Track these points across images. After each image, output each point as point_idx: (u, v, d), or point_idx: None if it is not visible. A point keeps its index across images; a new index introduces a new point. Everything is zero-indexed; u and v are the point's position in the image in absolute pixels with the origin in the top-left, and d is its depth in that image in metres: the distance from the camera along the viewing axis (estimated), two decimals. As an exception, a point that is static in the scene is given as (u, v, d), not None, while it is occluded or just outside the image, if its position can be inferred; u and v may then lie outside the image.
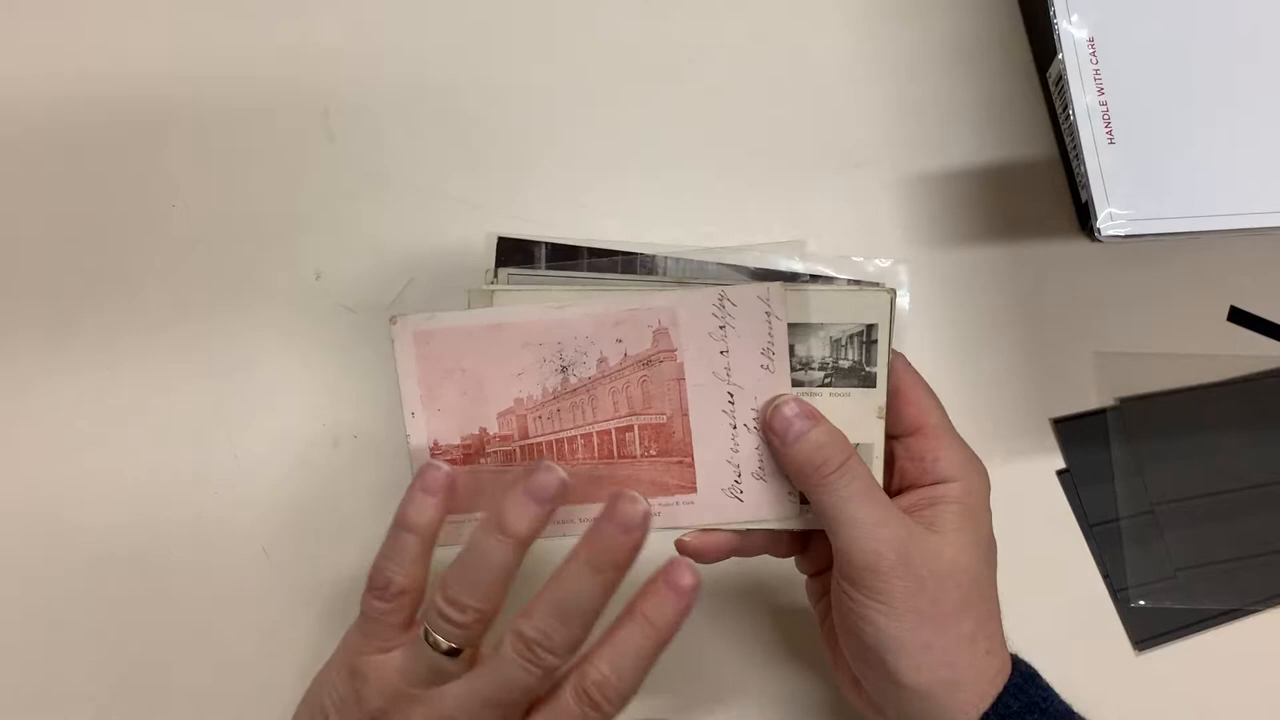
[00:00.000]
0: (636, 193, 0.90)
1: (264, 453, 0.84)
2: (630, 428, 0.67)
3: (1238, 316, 0.89)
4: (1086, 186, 0.77)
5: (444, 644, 0.62)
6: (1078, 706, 0.68)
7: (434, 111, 0.91)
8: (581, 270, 0.69)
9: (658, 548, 0.66)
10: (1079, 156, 0.77)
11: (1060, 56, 0.79)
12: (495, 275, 0.69)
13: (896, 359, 0.68)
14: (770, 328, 0.65)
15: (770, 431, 0.66)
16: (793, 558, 0.74)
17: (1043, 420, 0.88)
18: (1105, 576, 0.85)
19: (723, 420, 0.67)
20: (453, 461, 0.67)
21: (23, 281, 0.86)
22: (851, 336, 0.67)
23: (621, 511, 0.62)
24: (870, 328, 0.67)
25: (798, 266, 0.69)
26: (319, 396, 0.85)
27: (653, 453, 0.67)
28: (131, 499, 0.82)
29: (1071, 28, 0.79)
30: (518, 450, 0.67)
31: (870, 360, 0.67)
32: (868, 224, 0.90)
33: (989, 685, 0.65)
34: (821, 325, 0.66)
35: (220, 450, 0.84)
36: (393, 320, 0.65)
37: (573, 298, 0.66)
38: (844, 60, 0.93)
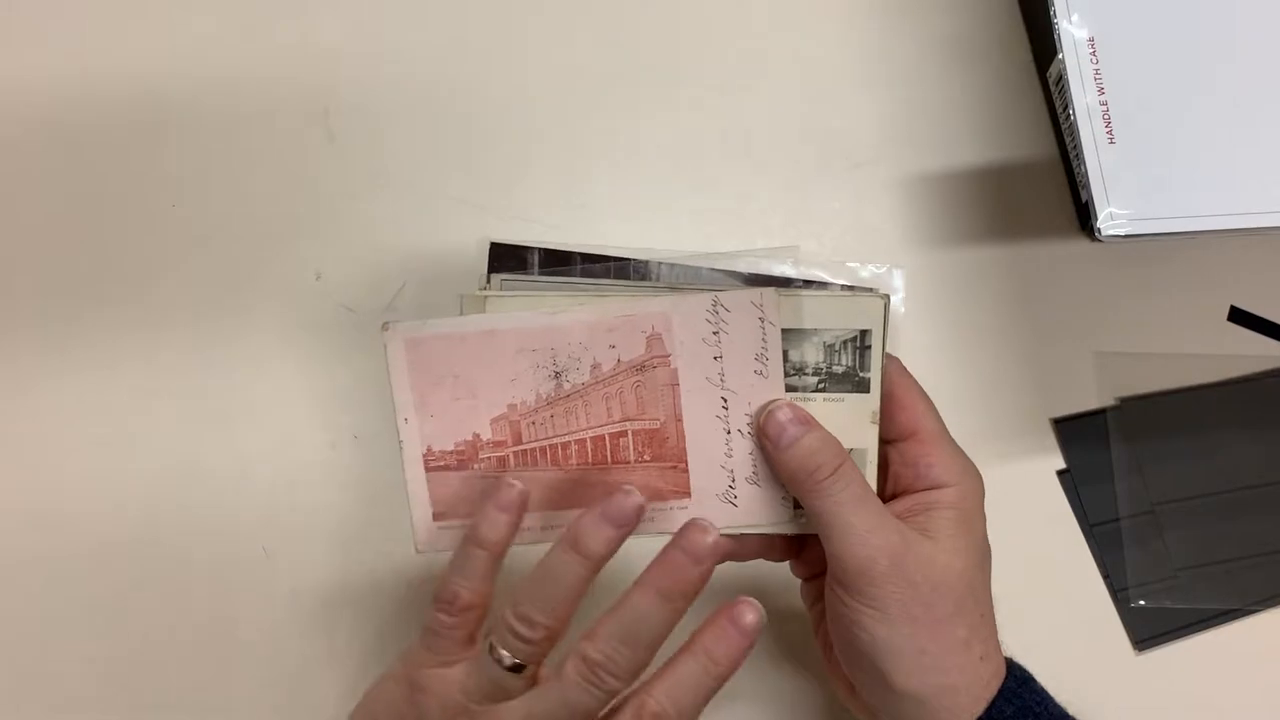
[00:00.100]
0: (637, 192, 0.90)
1: (264, 453, 0.84)
2: (624, 433, 0.67)
3: (1238, 316, 0.89)
4: (1086, 186, 0.76)
5: (509, 659, 0.62)
6: (1076, 707, 0.68)
7: (434, 111, 0.91)
8: (575, 276, 0.69)
9: (654, 552, 0.66)
10: (1079, 156, 0.77)
11: (1060, 56, 0.78)
12: (488, 281, 0.69)
13: (891, 363, 0.68)
14: (764, 333, 0.65)
15: (764, 437, 0.66)
16: (787, 562, 0.74)
17: (1043, 420, 0.88)
18: (1105, 576, 0.85)
19: (716, 425, 0.67)
20: (446, 468, 0.67)
21: (23, 281, 0.86)
22: (845, 342, 0.67)
23: (693, 541, 0.62)
24: (864, 333, 0.67)
25: (791, 272, 0.69)
26: (318, 397, 0.85)
27: (646, 458, 0.67)
28: (131, 499, 0.83)
29: (1071, 28, 0.79)
30: (511, 456, 0.67)
31: (864, 365, 0.67)
32: (867, 224, 0.90)
33: (983, 690, 0.65)
34: (815, 330, 0.66)
35: (220, 450, 0.84)
36: (384, 327, 0.65)
37: (566, 303, 0.66)
38: (844, 60, 0.93)
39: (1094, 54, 0.78)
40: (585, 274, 0.69)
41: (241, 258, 0.87)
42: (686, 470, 0.67)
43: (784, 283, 0.68)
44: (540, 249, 0.69)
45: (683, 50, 0.93)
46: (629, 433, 0.67)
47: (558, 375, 0.66)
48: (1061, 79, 0.79)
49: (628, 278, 0.69)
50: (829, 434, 0.66)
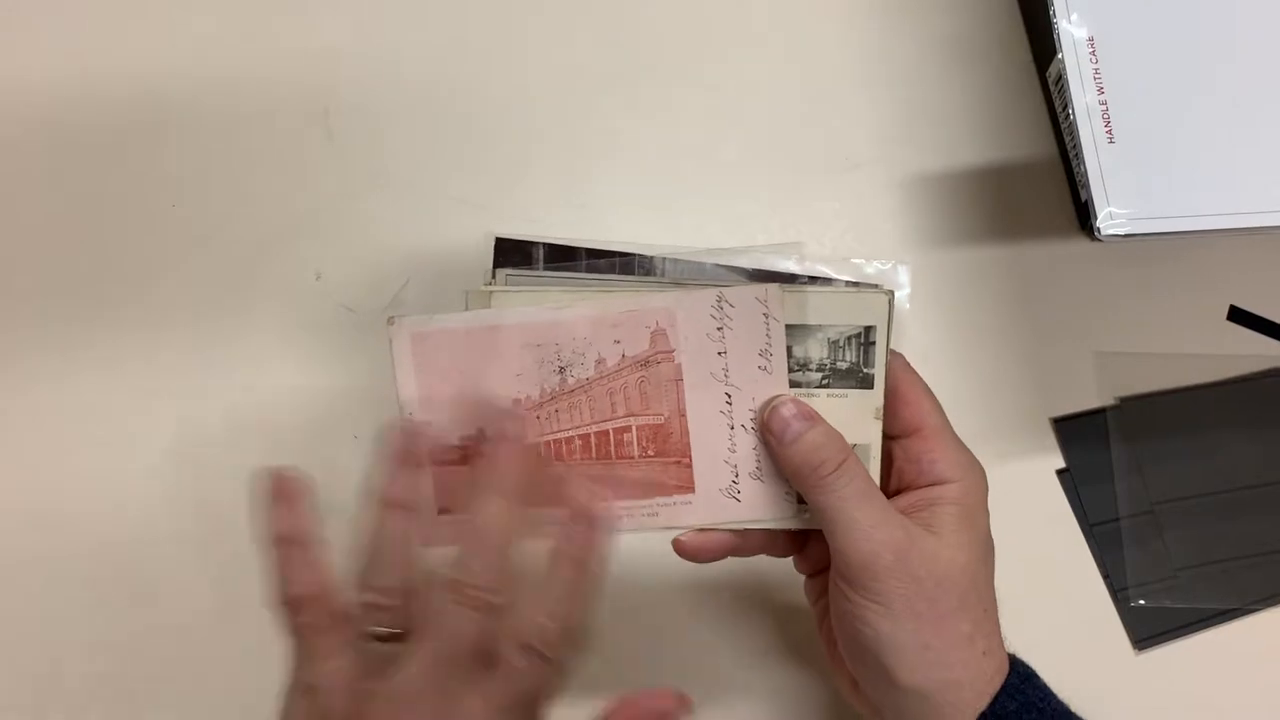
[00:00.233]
0: (636, 193, 0.90)
1: (263, 452, 0.83)
2: (628, 428, 0.67)
3: (1238, 316, 0.89)
4: (1086, 186, 0.77)
5: (382, 631, 0.61)
6: (1077, 706, 0.68)
7: (434, 111, 0.91)
8: (579, 271, 0.69)
9: (658, 547, 0.66)
10: (1079, 156, 0.77)
11: (1060, 56, 0.79)
12: (493, 276, 0.69)
13: (895, 359, 0.68)
14: (768, 329, 0.65)
15: (768, 432, 0.66)
16: (790, 558, 0.74)
17: (1043, 420, 0.88)
18: (1105, 576, 0.85)
19: (720, 421, 0.67)
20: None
21: (23, 281, 0.86)
22: (849, 338, 0.67)
23: (504, 426, 0.63)
24: (868, 329, 0.67)
25: (796, 268, 0.69)
26: (319, 396, 0.85)
27: (650, 453, 0.67)
28: (131, 499, 0.82)
29: (1071, 27, 0.79)
30: None
31: (868, 361, 0.67)
32: (868, 224, 0.90)
33: (986, 685, 0.65)
34: (819, 326, 0.66)
35: (220, 450, 0.84)
36: (390, 321, 0.65)
37: (571, 299, 0.66)
38: (844, 60, 0.93)
39: (1094, 54, 0.79)
40: (590, 269, 0.69)
41: (241, 258, 0.87)
42: (690, 465, 0.67)
43: (788, 279, 0.68)
44: (545, 244, 0.69)
45: (683, 50, 0.93)
46: (633, 428, 0.67)
47: (562, 370, 0.66)
48: (1061, 79, 0.79)
49: (632, 273, 0.69)
50: (833, 429, 0.66)
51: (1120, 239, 0.76)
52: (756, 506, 0.68)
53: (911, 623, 0.64)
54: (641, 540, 0.65)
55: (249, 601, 0.81)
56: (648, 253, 0.69)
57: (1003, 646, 0.68)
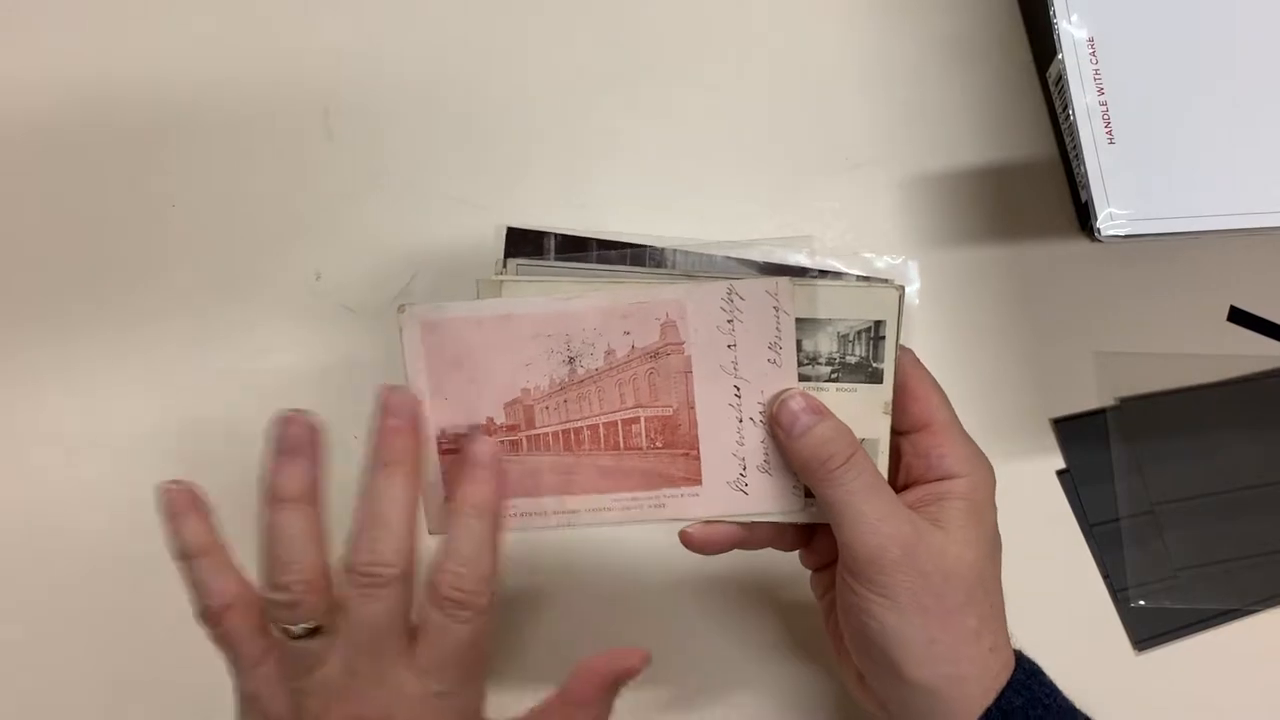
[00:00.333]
0: (637, 193, 0.90)
1: (263, 452, 0.83)
2: (637, 419, 0.67)
3: (1238, 316, 0.89)
4: (1086, 186, 0.77)
5: (297, 629, 0.61)
6: (1079, 705, 0.68)
7: (434, 111, 0.91)
8: (590, 262, 0.69)
9: (665, 540, 0.66)
10: (1079, 156, 0.77)
11: (1060, 56, 0.79)
12: (504, 265, 0.69)
13: (904, 355, 0.68)
14: (778, 322, 0.65)
15: (776, 425, 0.66)
16: (797, 552, 0.74)
17: (1043, 420, 0.88)
18: (1105, 576, 0.85)
19: (729, 414, 0.67)
20: (457, 451, 0.67)
21: (23, 281, 0.86)
22: (859, 332, 0.67)
23: (390, 401, 0.64)
24: (878, 324, 0.66)
25: (806, 261, 0.69)
26: (319, 397, 0.84)
27: (659, 445, 0.67)
28: (131, 499, 0.82)
29: (1071, 28, 0.79)
30: (524, 440, 0.67)
31: (877, 356, 0.67)
32: (868, 224, 0.90)
33: (993, 681, 0.65)
34: (829, 320, 0.66)
35: (220, 450, 0.83)
36: (401, 309, 0.65)
37: (581, 289, 0.66)
38: (844, 60, 0.93)
39: (1094, 54, 0.79)
40: (601, 260, 0.69)
41: (241, 257, 0.87)
42: (698, 458, 0.67)
43: (799, 272, 0.68)
44: (556, 235, 0.69)
45: (683, 50, 0.93)
46: (641, 419, 0.67)
47: (572, 361, 0.66)
48: (1061, 79, 0.79)
49: (643, 265, 0.69)
50: (841, 423, 0.66)
51: (1120, 239, 0.76)
52: (764, 499, 0.68)
53: (918, 617, 0.64)
54: (648, 532, 0.65)
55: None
56: (658, 245, 0.69)
57: (1009, 642, 0.68)
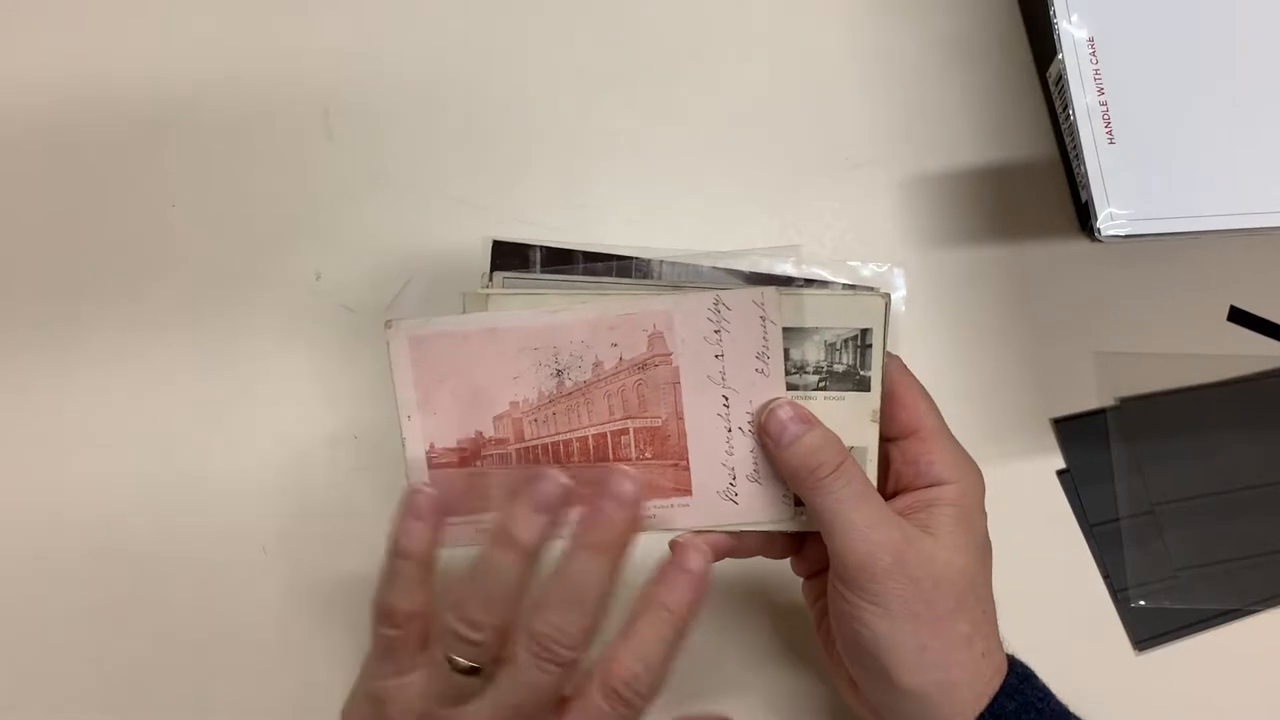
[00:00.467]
0: (637, 192, 0.90)
1: (263, 452, 0.84)
2: (625, 431, 0.67)
3: (1238, 316, 0.89)
4: (1086, 186, 0.76)
5: (463, 663, 0.61)
6: (1077, 707, 0.68)
7: (434, 111, 0.91)
8: (576, 274, 0.69)
9: (654, 551, 0.66)
10: (1079, 156, 0.77)
11: (1060, 56, 0.79)
12: (490, 279, 0.69)
13: (892, 361, 0.68)
14: (765, 332, 0.65)
15: (765, 435, 0.66)
16: (788, 559, 0.74)
17: (1043, 420, 0.88)
18: (1105, 576, 0.85)
19: (718, 423, 0.67)
20: (449, 465, 0.67)
21: (23, 281, 0.86)
22: (846, 340, 0.67)
23: (616, 487, 0.62)
24: (865, 332, 0.67)
25: (793, 270, 0.69)
26: (318, 396, 0.85)
27: (648, 456, 0.67)
28: (131, 499, 0.83)
29: (1071, 28, 0.79)
30: (514, 454, 0.67)
31: (865, 364, 0.67)
32: (868, 224, 0.90)
33: (985, 686, 0.65)
34: (816, 329, 0.66)
35: (220, 450, 0.84)
36: (388, 325, 0.65)
37: (568, 302, 0.66)
38: (843, 60, 0.93)
39: (1094, 54, 0.78)
40: (587, 272, 0.68)
41: (241, 258, 0.87)
42: (688, 468, 0.67)
43: (785, 281, 0.68)
44: (542, 247, 0.68)
45: (683, 50, 0.93)
46: (630, 430, 0.67)
47: (560, 373, 0.66)
48: (1061, 79, 0.79)
49: (630, 276, 0.69)
50: (830, 432, 0.66)
51: (1120, 239, 0.76)
52: (754, 509, 0.68)
53: (909, 624, 0.64)
54: (639, 542, 0.65)
55: (250, 602, 0.82)
56: (645, 255, 0.69)
57: (1001, 647, 0.68)
